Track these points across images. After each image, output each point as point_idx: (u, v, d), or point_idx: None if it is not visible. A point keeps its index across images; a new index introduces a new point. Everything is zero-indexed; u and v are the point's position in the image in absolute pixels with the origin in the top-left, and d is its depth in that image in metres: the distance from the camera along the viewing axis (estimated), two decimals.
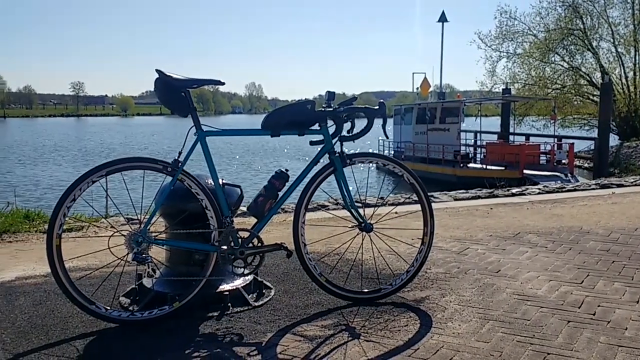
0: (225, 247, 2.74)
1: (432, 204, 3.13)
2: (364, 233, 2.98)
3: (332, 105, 2.86)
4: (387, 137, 3.30)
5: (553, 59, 30.75)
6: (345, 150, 2.91)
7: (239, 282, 2.98)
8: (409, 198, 6.24)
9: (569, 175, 18.38)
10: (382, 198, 6.45)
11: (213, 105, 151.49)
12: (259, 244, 2.80)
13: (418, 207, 3.11)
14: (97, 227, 5.06)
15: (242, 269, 2.81)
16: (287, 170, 2.83)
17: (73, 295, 2.58)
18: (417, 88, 26.85)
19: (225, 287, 2.93)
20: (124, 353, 2.37)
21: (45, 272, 3.55)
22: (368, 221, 2.97)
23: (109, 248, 2.59)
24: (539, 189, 7.27)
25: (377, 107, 2.82)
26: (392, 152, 24.77)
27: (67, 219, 2.62)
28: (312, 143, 2.89)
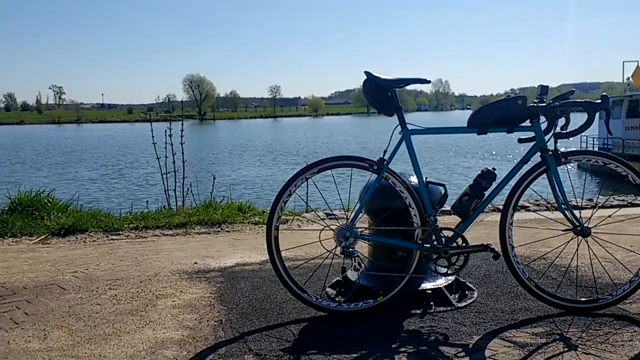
0: (428, 246, 2.74)
1: None
2: (580, 237, 2.75)
3: (545, 100, 2.70)
4: (611, 134, 3.01)
5: None
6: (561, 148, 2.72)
7: (440, 282, 2.96)
8: (623, 200, 5.63)
9: None
10: (590, 199, 5.91)
11: None
12: (464, 244, 2.75)
13: None
14: (300, 220, 5.41)
15: (446, 269, 2.78)
16: (494, 169, 2.73)
17: (288, 284, 2.79)
18: (628, 78, 24.04)
19: (427, 285, 2.93)
20: (335, 341, 2.50)
21: (260, 260, 3.91)
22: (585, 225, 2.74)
23: (319, 241, 2.75)
24: None
25: (599, 101, 2.59)
26: (597, 149, 22.54)
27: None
28: (521, 140, 2.75)
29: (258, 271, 3.63)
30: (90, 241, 4.77)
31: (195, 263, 3.86)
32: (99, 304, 3.04)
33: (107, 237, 4.92)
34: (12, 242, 4.76)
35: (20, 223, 5.12)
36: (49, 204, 5.71)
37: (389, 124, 2.80)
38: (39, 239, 4.81)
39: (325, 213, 5.52)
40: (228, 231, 5.07)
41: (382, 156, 2.74)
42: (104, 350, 2.43)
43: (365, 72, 2.72)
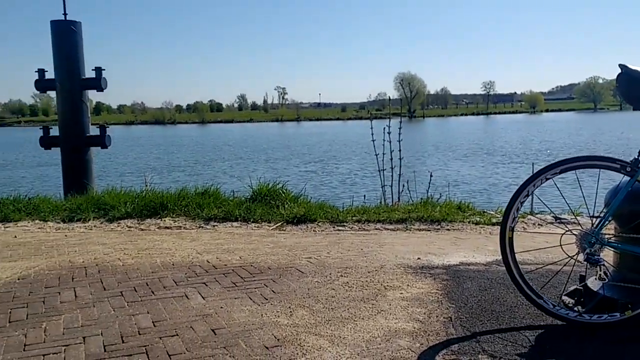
0: None
1: None
2: None
3: None
4: None
5: None
6: None
7: None
8: None
9: None
10: None
11: None
12: None
13: None
14: (524, 223, 5.16)
15: None
16: None
17: (523, 288, 2.69)
18: None
19: None
20: (576, 354, 2.35)
21: (485, 261, 3.83)
22: None
23: (560, 245, 2.60)
24: None
25: None
26: None
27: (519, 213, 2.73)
28: None
29: (484, 272, 3.55)
30: (319, 230, 5.16)
31: (419, 258, 3.93)
32: (334, 289, 3.27)
33: (334, 227, 5.26)
34: (255, 227, 5.37)
35: (260, 210, 5.74)
36: (283, 195, 6.31)
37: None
38: (276, 225, 5.35)
39: (553, 216, 5.19)
40: (448, 229, 5.06)
41: (636, 156, 2.48)
42: (343, 332, 2.62)
43: (620, 65, 2.49)
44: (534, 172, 2.70)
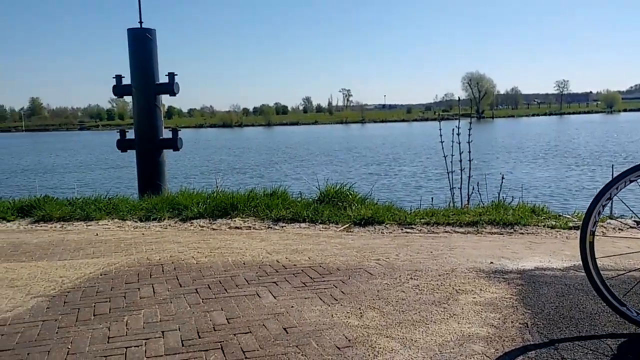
0: None
1: None
2: None
3: None
4: None
5: None
6: None
7: None
8: None
9: None
10: None
11: None
12: None
13: None
14: (604, 227, 4.93)
15: None
16: None
17: (604, 294, 2.57)
18: None
19: None
20: None
21: (562, 266, 3.69)
22: None
23: None
24: None
25: None
26: None
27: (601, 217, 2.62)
28: None
29: (561, 277, 3.42)
30: (387, 232, 5.13)
31: (491, 262, 3.83)
32: (403, 292, 3.25)
33: (402, 229, 5.22)
34: (322, 228, 5.41)
35: (328, 212, 5.78)
36: (350, 196, 6.33)
37: None
38: (343, 227, 5.37)
39: (635, 220, 4.93)
40: (522, 233, 4.90)
41: None
42: (414, 335, 2.59)
43: None
44: (615, 174, 2.58)
